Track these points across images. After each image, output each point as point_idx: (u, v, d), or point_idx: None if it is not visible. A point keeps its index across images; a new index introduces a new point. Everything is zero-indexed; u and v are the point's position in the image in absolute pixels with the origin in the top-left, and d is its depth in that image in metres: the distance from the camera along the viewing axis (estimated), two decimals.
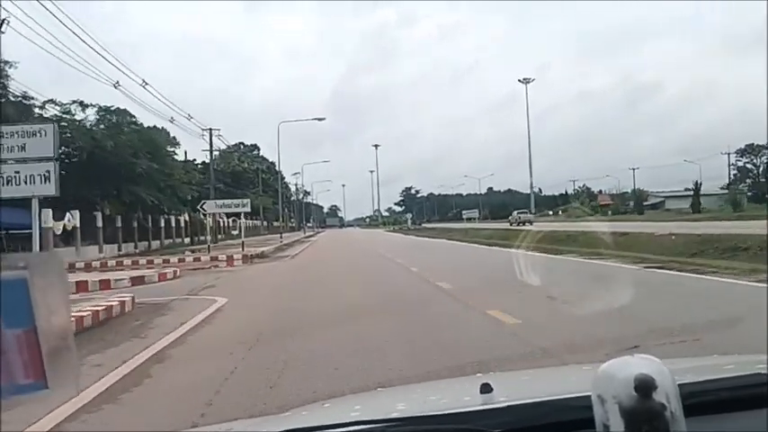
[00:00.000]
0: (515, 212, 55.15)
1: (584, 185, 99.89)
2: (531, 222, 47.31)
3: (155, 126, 36.42)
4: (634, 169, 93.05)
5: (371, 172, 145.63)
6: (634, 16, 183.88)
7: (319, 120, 40.18)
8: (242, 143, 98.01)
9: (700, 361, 2.19)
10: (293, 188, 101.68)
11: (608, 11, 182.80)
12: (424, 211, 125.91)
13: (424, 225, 78.92)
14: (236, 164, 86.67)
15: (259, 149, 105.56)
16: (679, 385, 0.93)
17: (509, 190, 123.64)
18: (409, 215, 78.20)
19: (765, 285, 8.50)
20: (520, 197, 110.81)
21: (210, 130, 44.99)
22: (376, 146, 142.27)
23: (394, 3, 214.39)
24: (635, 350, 3.49)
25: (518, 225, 43.72)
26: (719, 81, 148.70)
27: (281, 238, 38.68)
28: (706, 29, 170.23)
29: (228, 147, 77.16)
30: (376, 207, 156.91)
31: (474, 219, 47.68)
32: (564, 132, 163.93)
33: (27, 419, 3.90)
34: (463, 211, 48.14)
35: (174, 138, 59.54)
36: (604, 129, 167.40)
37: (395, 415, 1.36)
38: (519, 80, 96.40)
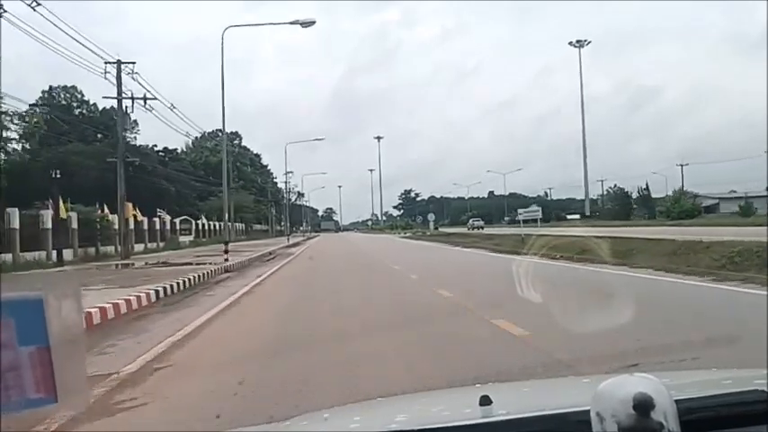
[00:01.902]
0: (471, 220, 69.46)
1: (615, 185, 79.49)
2: (482, 228, 58.27)
3: None
4: (682, 165, 74.16)
5: (371, 171, 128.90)
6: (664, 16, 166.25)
7: (303, 25, 21.18)
8: (219, 130, 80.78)
9: (699, 375, 2.07)
10: (283, 186, 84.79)
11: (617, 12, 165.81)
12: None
13: (440, 230, 65.45)
14: (210, 154, 70.40)
15: (241, 138, 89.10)
16: (677, 401, 0.94)
17: (512, 193, 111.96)
18: (431, 216, 61.52)
19: None
20: (525, 200, 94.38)
21: (119, 62, 26.02)
22: (378, 138, 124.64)
23: (395, 3, 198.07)
24: (634, 368, 3.18)
25: (472, 230, 54.84)
26: None
27: (225, 252, 19.50)
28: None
29: (205, 133, 59.76)
30: (375, 210, 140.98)
31: (537, 220, 32.08)
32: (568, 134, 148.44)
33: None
34: (519, 210, 33.94)
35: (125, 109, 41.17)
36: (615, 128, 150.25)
37: (394, 427, 1.32)
38: (570, 43, 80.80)
